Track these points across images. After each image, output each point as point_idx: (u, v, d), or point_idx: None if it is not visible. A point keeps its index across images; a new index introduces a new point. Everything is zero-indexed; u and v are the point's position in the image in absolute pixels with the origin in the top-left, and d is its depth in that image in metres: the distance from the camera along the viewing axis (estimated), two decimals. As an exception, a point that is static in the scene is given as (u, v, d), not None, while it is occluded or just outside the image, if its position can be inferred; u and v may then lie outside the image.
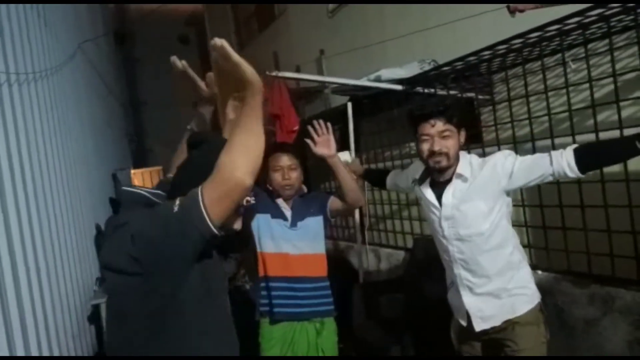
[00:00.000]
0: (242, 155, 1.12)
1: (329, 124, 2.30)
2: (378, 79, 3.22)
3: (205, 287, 1.24)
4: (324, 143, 2.29)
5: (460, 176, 1.92)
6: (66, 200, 3.21)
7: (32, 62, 2.78)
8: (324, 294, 2.40)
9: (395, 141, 4.05)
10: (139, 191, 1.32)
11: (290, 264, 2.34)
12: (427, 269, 2.53)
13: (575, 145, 1.79)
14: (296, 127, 2.41)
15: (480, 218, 1.89)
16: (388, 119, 3.96)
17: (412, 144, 3.92)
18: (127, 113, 9.86)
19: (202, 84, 1.51)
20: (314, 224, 2.41)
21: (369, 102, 3.96)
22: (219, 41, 1.15)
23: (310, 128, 2.32)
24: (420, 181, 2.08)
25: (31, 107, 2.66)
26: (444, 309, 2.20)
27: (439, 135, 1.87)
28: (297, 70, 5.62)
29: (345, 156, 2.45)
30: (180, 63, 1.43)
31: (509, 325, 1.94)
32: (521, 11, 2.16)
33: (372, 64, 3.89)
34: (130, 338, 1.20)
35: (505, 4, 2.19)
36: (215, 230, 1.12)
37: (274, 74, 3.03)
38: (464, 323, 2.05)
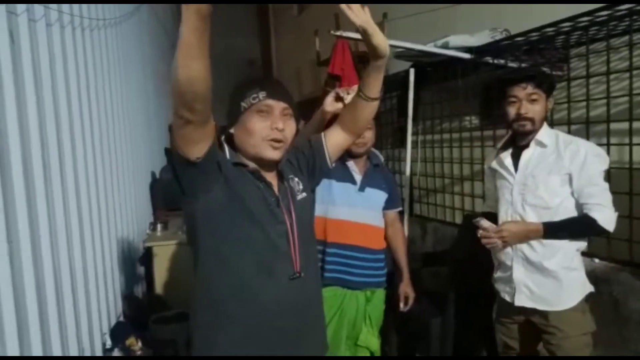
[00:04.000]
0: None
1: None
2: (445, 46, 3.08)
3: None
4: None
5: (539, 143, 1.91)
6: (127, 148, 3.32)
7: (103, 9, 2.82)
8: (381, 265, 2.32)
9: (456, 112, 3.92)
10: None
11: (349, 231, 2.20)
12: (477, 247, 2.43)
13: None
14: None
15: (550, 191, 1.86)
16: (451, 88, 3.81)
17: (473, 117, 3.79)
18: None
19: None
20: (380, 196, 2.31)
21: (432, 69, 3.82)
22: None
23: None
24: (502, 149, 2.04)
25: (100, 51, 2.73)
26: (489, 290, 2.13)
27: (527, 98, 1.86)
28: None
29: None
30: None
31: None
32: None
33: (438, 31, 3.72)
34: None
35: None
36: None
37: (338, 33, 2.95)
38: (508, 298, 1.98)
